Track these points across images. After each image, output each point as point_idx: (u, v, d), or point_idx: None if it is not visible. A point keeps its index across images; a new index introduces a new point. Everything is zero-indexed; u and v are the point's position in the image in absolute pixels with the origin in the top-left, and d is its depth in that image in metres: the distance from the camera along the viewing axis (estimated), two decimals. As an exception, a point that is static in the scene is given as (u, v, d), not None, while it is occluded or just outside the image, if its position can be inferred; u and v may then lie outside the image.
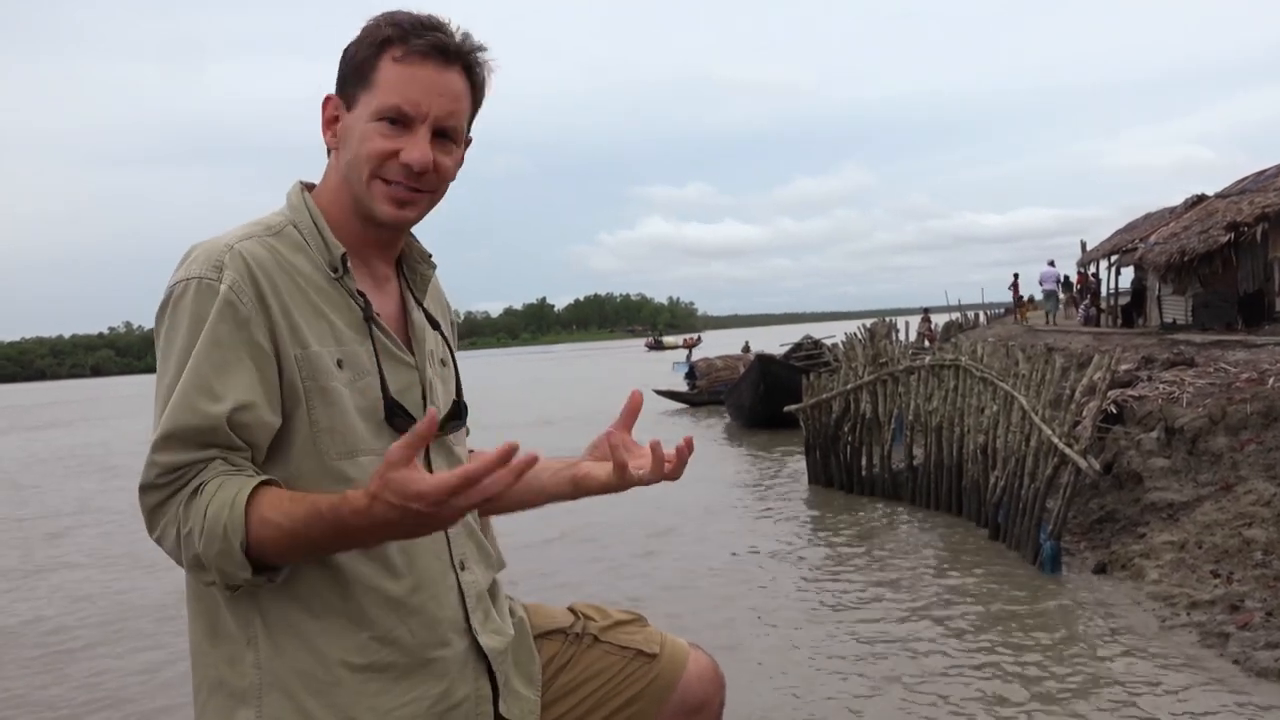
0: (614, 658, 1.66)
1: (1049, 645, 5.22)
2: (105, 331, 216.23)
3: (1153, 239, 19.90)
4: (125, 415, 36.51)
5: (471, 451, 1.63)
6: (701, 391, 22.98)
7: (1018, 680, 4.77)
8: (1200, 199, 20.21)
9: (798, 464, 12.07)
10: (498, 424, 19.95)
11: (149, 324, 1.45)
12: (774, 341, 28.35)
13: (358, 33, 1.42)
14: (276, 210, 1.48)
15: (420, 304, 1.55)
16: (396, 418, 1.41)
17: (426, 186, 1.43)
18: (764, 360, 17.90)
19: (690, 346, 36.22)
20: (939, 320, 34.74)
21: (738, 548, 8.27)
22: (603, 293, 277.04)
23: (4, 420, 43.28)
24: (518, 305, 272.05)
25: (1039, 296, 30.49)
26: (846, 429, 10.32)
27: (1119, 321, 23.29)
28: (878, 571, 7.12)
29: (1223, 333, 15.17)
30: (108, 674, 5.94)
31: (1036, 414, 7.09)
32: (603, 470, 1.48)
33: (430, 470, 1.22)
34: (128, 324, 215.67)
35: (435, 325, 1.57)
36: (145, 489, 1.30)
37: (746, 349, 26.86)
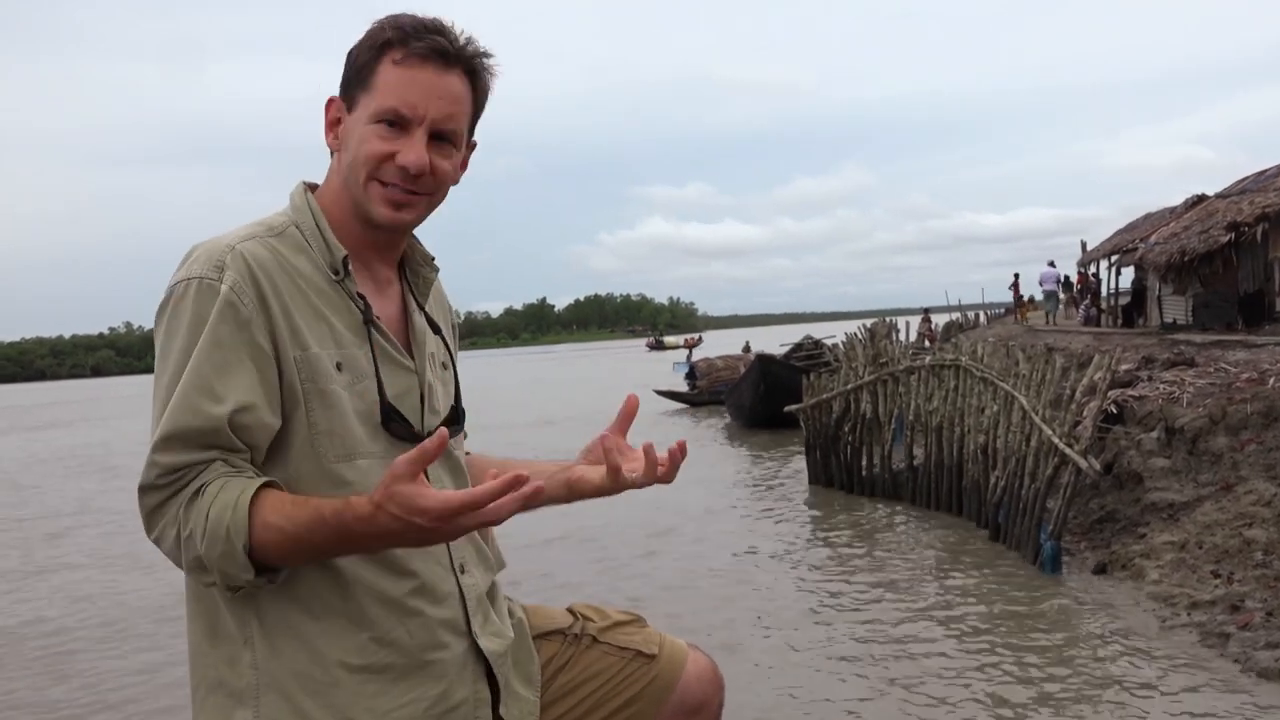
0: (613, 658, 1.66)
1: (1049, 646, 5.23)
2: (105, 332, 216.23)
3: (1153, 239, 19.90)
4: (125, 416, 36.51)
5: (468, 454, 1.64)
6: (702, 391, 23.00)
7: (1018, 681, 4.77)
8: (1200, 199, 20.20)
9: (798, 464, 12.07)
10: (499, 424, 19.96)
11: (149, 324, 1.45)
12: (774, 341, 28.34)
13: (361, 35, 1.42)
14: (280, 210, 1.48)
15: (422, 307, 1.55)
16: (392, 422, 1.42)
17: (423, 189, 1.43)
18: (764, 360, 17.91)
19: (691, 346, 36.24)
20: (939, 320, 34.74)
21: (738, 548, 8.28)
22: (603, 293, 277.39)
23: (4, 420, 43.29)
24: (518, 305, 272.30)
25: (1039, 297, 30.50)
26: (847, 429, 10.32)
27: (1119, 321, 23.29)
28: (878, 572, 7.12)
29: (1223, 333, 15.17)
30: (108, 675, 5.95)
31: (1037, 414, 7.09)
32: (596, 474, 1.49)
33: (428, 475, 1.23)
34: (128, 324, 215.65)
35: (436, 329, 1.57)
36: (145, 489, 1.30)
37: (747, 349, 26.87)
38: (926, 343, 24.30)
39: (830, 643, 5.56)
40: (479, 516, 1.19)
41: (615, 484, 1.46)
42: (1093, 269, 27.20)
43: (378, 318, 1.45)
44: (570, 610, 1.73)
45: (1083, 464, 6.39)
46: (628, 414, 1.51)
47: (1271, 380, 8.46)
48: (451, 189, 1.49)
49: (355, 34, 1.44)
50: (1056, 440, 6.67)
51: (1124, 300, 24.02)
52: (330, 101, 1.46)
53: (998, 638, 5.43)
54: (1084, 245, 28.68)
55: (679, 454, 1.42)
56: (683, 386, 24.42)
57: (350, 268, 1.43)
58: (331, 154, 1.48)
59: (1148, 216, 24.21)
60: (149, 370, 1.41)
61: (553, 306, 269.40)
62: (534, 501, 1.33)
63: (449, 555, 1.48)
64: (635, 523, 9.19)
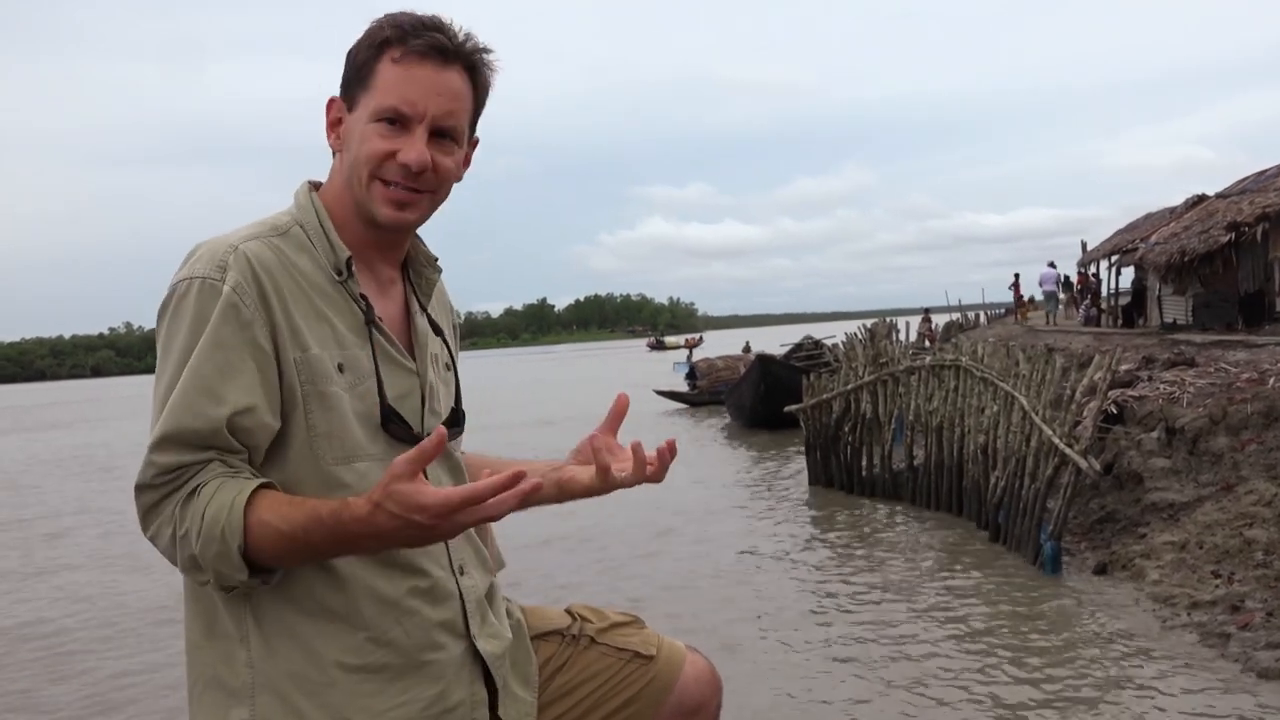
0: (611, 659, 1.66)
1: (1049, 646, 5.22)
2: (105, 332, 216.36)
3: (1153, 239, 19.90)
4: (125, 416, 36.51)
5: (464, 453, 1.64)
6: (702, 392, 23.01)
7: (1018, 682, 4.77)
8: (1200, 199, 20.20)
9: (798, 464, 12.07)
10: (499, 424, 19.97)
11: (149, 324, 1.45)
12: (774, 342, 28.36)
13: (360, 35, 1.42)
14: (283, 210, 1.47)
15: (424, 308, 1.55)
16: (391, 424, 1.41)
17: (425, 187, 1.42)
18: (764, 360, 17.91)
19: (691, 347, 36.27)
20: (939, 320, 34.72)
21: (738, 548, 8.27)
22: (603, 293, 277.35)
23: (4, 421, 43.30)
24: (518, 306, 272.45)
25: (1039, 297, 30.51)
26: (847, 429, 10.32)
27: (1119, 322, 23.28)
28: (877, 572, 7.11)
29: (1223, 333, 15.17)
30: (108, 675, 5.95)
31: (1037, 414, 7.09)
32: (586, 473, 1.49)
33: (426, 475, 1.22)
34: (128, 324, 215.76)
35: (438, 330, 1.57)
36: (141, 488, 1.30)
37: (747, 349, 26.89)
38: (927, 343, 24.29)
39: (830, 643, 5.56)
40: (478, 513, 1.18)
41: (604, 484, 1.46)
42: (1093, 269, 27.20)
43: (380, 318, 1.45)
44: (568, 611, 1.72)
45: (1083, 464, 6.39)
46: (617, 413, 1.51)
47: (1272, 380, 8.45)
48: (454, 187, 1.49)
49: (355, 34, 1.44)
50: (1057, 440, 6.67)
51: (1124, 300, 24.02)
52: (331, 102, 1.46)
53: (998, 638, 5.43)
54: (1084, 245, 28.69)
55: (668, 453, 1.42)
56: (683, 387, 24.43)
57: (353, 268, 1.43)
58: (333, 154, 1.47)
59: (1148, 216, 24.21)
60: (149, 371, 1.41)
61: (553, 307, 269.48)
62: (531, 499, 1.33)
63: (448, 557, 1.48)
64: (635, 523, 9.19)
